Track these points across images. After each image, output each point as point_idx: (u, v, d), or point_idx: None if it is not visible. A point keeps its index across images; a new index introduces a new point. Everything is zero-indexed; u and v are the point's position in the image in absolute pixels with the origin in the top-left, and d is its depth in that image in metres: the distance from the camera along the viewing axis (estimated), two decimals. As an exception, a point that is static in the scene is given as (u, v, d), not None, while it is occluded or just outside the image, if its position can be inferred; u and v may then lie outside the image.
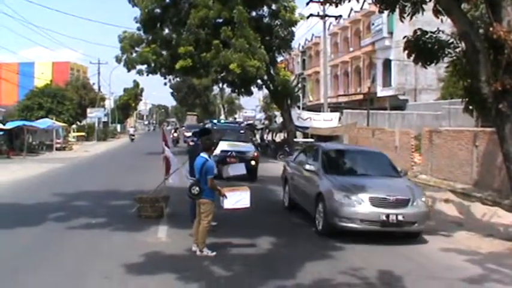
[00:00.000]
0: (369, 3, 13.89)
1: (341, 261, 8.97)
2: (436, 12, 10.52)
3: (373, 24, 46.25)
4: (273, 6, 30.39)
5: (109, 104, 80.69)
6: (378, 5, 11.56)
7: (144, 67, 32.17)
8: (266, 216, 13.02)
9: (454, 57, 11.16)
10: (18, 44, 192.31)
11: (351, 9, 52.22)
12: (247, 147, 21.77)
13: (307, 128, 33.36)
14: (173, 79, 42.70)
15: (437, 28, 11.13)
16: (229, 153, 20.25)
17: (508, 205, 14.41)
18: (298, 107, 48.92)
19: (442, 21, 10.69)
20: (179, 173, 12.39)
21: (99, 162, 30.27)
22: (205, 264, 8.45)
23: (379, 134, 27.93)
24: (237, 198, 9.40)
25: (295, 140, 32.99)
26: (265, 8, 30.81)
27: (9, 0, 79.99)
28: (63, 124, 45.63)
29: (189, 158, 11.12)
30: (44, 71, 79.02)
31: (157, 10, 30.58)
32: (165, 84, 44.48)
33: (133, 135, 60.58)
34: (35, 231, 10.56)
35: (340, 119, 35.24)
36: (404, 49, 11.36)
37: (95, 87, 69.20)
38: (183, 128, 64.28)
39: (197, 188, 9.01)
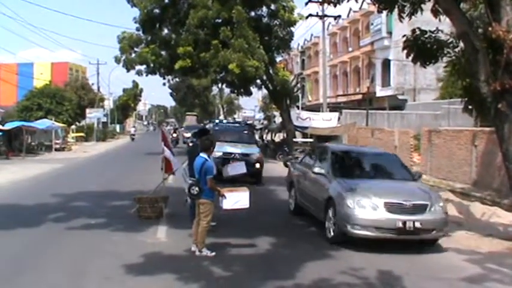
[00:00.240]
0: (368, 3, 13.91)
1: (341, 261, 8.98)
2: (435, 12, 10.52)
3: (372, 24, 46.26)
4: (272, 6, 30.39)
5: (108, 104, 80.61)
6: (377, 5, 11.56)
7: (143, 67, 32.18)
8: (267, 217, 13.02)
9: (453, 57, 11.17)
10: (17, 44, 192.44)
11: (350, 9, 52.26)
12: (252, 149, 20.68)
13: (306, 128, 33.37)
14: (172, 79, 42.75)
15: (437, 28, 11.14)
16: (233, 155, 19.20)
17: (507, 205, 14.41)
18: (297, 107, 48.93)
19: (440, 20, 10.69)
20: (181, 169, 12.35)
21: (98, 163, 30.27)
22: (205, 264, 8.45)
23: (378, 134, 27.95)
24: (236, 199, 9.40)
25: (294, 140, 32.99)
26: (264, 8, 30.81)
27: (8, 1, 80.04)
28: (62, 125, 45.60)
29: (188, 159, 11.11)
30: (43, 71, 78.93)
31: (157, 10, 30.57)
32: (164, 84, 44.44)
33: (133, 135, 63.95)
34: (34, 232, 10.55)
35: (339, 119, 35.26)
36: (403, 49, 11.37)
37: (94, 87, 69.18)
38: (182, 128, 63.96)
39: (197, 188, 9.01)
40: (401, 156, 23.24)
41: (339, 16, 40.95)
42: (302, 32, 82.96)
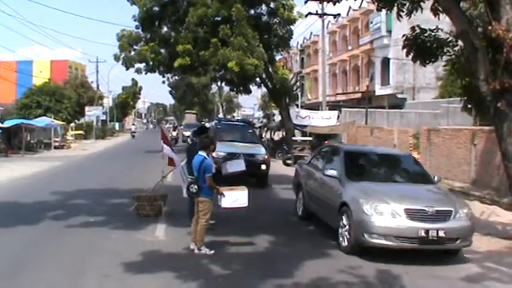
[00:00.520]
0: (368, 2, 13.88)
1: (339, 260, 8.98)
2: (435, 11, 10.51)
3: (371, 22, 46.24)
4: (272, 5, 30.36)
5: (107, 102, 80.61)
6: (376, 3, 11.55)
7: (142, 65, 32.14)
8: (266, 215, 13.01)
9: (453, 56, 11.16)
10: (16, 42, 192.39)
11: (350, 8, 52.23)
12: (257, 149, 19.10)
13: (305, 126, 33.34)
14: (171, 77, 42.75)
15: (436, 26, 11.13)
16: (237, 155, 16.94)
17: (506, 204, 14.42)
18: (297, 105, 48.92)
19: (438, 18, 10.68)
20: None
21: (98, 161, 30.24)
22: (204, 262, 8.45)
23: (377, 133, 27.98)
24: (235, 198, 9.40)
25: (293, 138, 32.96)
26: (263, 6, 30.77)
27: (7, -2, 79.78)
28: (62, 122, 45.59)
29: (187, 157, 11.11)
30: (43, 69, 79.02)
31: (156, 8, 30.54)
32: (164, 82, 44.55)
33: (134, 132, 67.68)
34: (33, 230, 10.55)
35: (338, 117, 35.23)
36: (403, 47, 11.36)
37: (94, 85, 69.20)
38: (181, 127, 63.77)
39: (195, 187, 9.02)
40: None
41: (339, 14, 40.86)
42: (301, 30, 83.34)
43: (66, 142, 44.25)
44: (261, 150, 19.11)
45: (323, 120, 33.30)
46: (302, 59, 69.24)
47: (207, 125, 27.75)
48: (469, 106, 11.28)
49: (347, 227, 9.34)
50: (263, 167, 18.33)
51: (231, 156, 16.77)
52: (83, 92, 63.04)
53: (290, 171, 23.52)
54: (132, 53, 31.60)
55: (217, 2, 28.28)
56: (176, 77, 53.89)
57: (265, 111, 72.09)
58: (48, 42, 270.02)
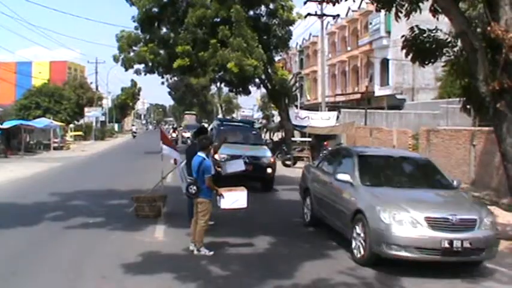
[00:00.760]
0: (367, 2, 13.81)
1: (339, 261, 8.97)
2: (434, 12, 10.51)
3: (370, 23, 46.25)
4: (271, 6, 30.38)
5: (107, 103, 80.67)
6: (375, 4, 11.54)
7: (141, 66, 32.16)
8: (265, 216, 13.00)
9: (452, 57, 11.15)
10: (15, 43, 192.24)
11: (349, 9, 52.22)
12: (262, 151, 18.20)
13: (304, 127, 33.33)
14: (171, 78, 42.71)
15: (436, 27, 11.12)
16: (241, 158, 16.29)
17: (505, 204, 14.41)
18: (296, 106, 48.90)
19: (437, 19, 10.67)
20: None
21: (97, 162, 30.24)
22: (203, 263, 8.44)
23: (376, 134, 27.96)
24: (234, 199, 9.40)
25: (292, 139, 32.97)
26: (263, 7, 30.80)
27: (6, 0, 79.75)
28: (61, 123, 45.61)
29: (186, 158, 11.11)
30: (42, 70, 78.79)
31: (155, 9, 30.54)
32: (163, 83, 44.47)
33: (135, 133, 71.36)
34: (32, 231, 10.54)
35: (337, 118, 35.23)
36: (402, 48, 11.35)
37: (93, 86, 69.16)
38: (181, 128, 63.54)
39: (195, 187, 9.02)
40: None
41: (338, 15, 40.86)
42: (301, 31, 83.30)
43: (66, 143, 44.26)
44: (266, 153, 18.21)
45: (322, 121, 33.27)
46: (301, 60, 69.23)
47: (209, 126, 27.56)
48: (468, 107, 11.26)
49: (362, 236, 8.66)
50: (269, 170, 17.43)
51: (235, 159, 15.47)
52: (82, 93, 62.98)
53: (289, 172, 23.60)
54: (131, 54, 31.61)
55: (216, 3, 28.30)
56: (175, 78, 53.89)
57: (264, 112, 72.12)
58: (47, 43, 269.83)
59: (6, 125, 33.98)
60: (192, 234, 9.19)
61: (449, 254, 8.08)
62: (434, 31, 11.04)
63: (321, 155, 27.47)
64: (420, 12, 10.63)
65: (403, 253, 8.12)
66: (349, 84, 54.06)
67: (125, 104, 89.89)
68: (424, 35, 11.01)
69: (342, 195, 9.90)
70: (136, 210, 12.06)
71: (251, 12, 30.36)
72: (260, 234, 10.62)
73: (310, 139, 32.61)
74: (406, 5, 10.75)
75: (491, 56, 9.59)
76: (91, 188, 16.73)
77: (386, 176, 10.35)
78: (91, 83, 69.78)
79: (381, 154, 11.94)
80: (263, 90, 39.20)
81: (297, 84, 51.71)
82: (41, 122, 39.47)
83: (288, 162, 28.07)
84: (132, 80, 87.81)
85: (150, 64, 31.44)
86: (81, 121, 61.01)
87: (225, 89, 62.40)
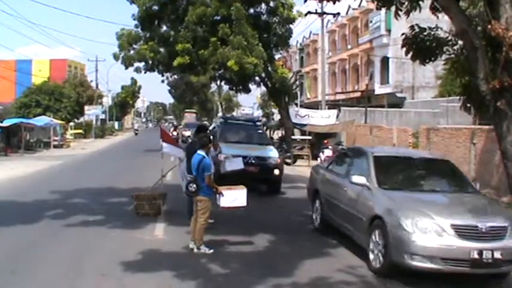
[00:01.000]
0: (367, 1, 13.82)
1: (339, 259, 8.98)
2: (434, 10, 10.49)
3: (371, 21, 46.22)
4: (271, 4, 30.30)
5: (107, 101, 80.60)
6: (376, 2, 11.52)
7: (141, 64, 32.09)
8: (265, 214, 13.00)
9: (452, 55, 11.13)
10: (15, 41, 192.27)
11: (349, 7, 52.19)
12: (269, 152, 17.13)
13: (304, 125, 33.33)
14: (171, 76, 42.66)
15: (436, 25, 11.11)
16: (247, 159, 15.34)
17: (506, 202, 14.42)
18: (296, 104, 48.86)
19: (438, 17, 10.66)
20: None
21: (97, 160, 30.25)
22: (203, 261, 8.45)
23: (376, 132, 27.96)
24: (234, 197, 9.40)
25: (292, 137, 32.96)
26: (263, 5, 30.72)
27: (6, -3, 79.62)
28: (61, 121, 45.59)
29: (186, 156, 11.10)
30: (42, 68, 78.72)
31: (155, 7, 30.49)
32: (163, 81, 44.47)
33: (137, 130, 76.14)
34: (32, 229, 10.54)
35: (337, 116, 35.22)
36: (403, 46, 11.32)
37: (93, 84, 69.16)
38: (181, 126, 63.19)
39: (194, 185, 9.02)
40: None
41: (338, 13, 40.84)
42: (301, 30, 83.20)
43: (66, 141, 44.24)
44: (273, 153, 17.18)
45: (322, 119, 33.28)
46: (301, 58, 69.20)
47: (212, 124, 27.39)
48: (469, 105, 11.23)
49: (380, 244, 7.97)
50: (276, 171, 16.44)
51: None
52: (82, 91, 62.98)
53: (289, 171, 23.55)
54: (132, 52, 31.56)
55: (216, 1, 28.23)
56: (175, 76, 53.76)
57: (264, 110, 72.17)
58: (47, 41, 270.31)
59: (6, 123, 33.98)
60: (192, 232, 9.20)
61: (478, 266, 7.40)
62: (434, 29, 11.03)
63: (320, 153, 27.60)
64: (420, 11, 10.61)
65: (427, 264, 7.43)
66: (349, 82, 54.04)
67: (125, 102, 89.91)
68: (425, 33, 10.99)
69: (356, 200, 9.18)
70: (136, 208, 12.06)
71: (251, 10, 30.28)
72: (260, 233, 10.62)
73: (310, 137, 32.61)
74: (406, 3, 10.73)
75: (492, 54, 9.57)
76: (91, 186, 16.73)
77: (405, 178, 9.66)
78: (91, 81, 69.87)
79: (397, 155, 10.99)
80: (263, 88, 39.18)
81: (297, 83, 51.65)
82: (41, 120, 39.46)
83: (288, 161, 28.04)
84: (132, 78, 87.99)
85: (150, 62, 31.39)
86: (81, 119, 61.01)
87: (225, 87, 62.37)
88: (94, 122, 62.39)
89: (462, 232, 7.42)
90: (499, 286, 8.17)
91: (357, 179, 9.08)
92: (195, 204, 9.21)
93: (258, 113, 79.43)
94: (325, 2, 25.57)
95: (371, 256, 8.25)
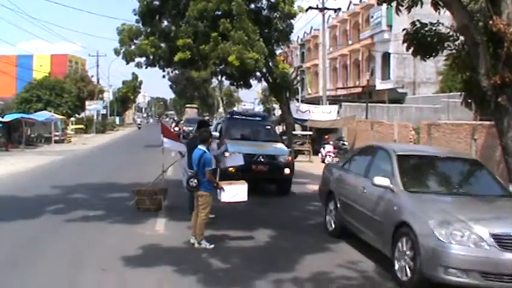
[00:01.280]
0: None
1: (339, 254, 8.99)
2: (435, 5, 10.48)
3: (372, 17, 46.13)
4: (272, -1, 30.26)
5: (108, 96, 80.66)
6: (377, -2, 11.51)
7: (142, 59, 32.02)
8: (266, 209, 13.01)
9: (453, 51, 11.13)
10: (16, 36, 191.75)
11: (350, 2, 52.11)
12: (279, 149, 16.01)
13: (305, 120, 33.37)
14: (172, 72, 42.59)
15: (437, 20, 11.10)
16: (255, 157, 14.83)
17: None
18: (297, 100, 48.85)
19: (439, 13, 10.64)
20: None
21: (98, 155, 30.26)
22: (204, 256, 8.46)
23: (377, 127, 27.96)
24: (235, 192, 9.41)
25: (293, 132, 32.97)
26: (264, 1, 30.61)
27: (7, -8, 79.61)
28: (62, 117, 45.62)
29: (187, 151, 11.11)
30: (43, 63, 78.74)
31: (156, 2, 30.42)
32: (164, 76, 44.22)
33: (140, 124, 79.89)
34: (33, 224, 10.56)
35: (338, 112, 35.25)
36: (404, 42, 11.32)
37: (94, 79, 69.19)
38: (182, 121, 62.85)
39: (195, 181, 9.03)
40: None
41: (339, 9, 40.88)
42: (302, 25, 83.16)
43: (67, 136, 44.27)
44: (283, 151, 16.04)
45: (323, 114, 33.30)
46: (302, 54, 69.14)
47: (215, 120, 27.18)
48: (470, 101, 11.24)
49: (408, 255, 7.13)
50: (287, 170, 15.29)
51: (248, 158, 13.87)
52: (83, 86, 62.98)
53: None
54: (133, 47, 31.49)
55: (217, -4, 28.19)
56: (176, 71, 53.64)
57: (265, 106, 72.09)
58: (48, 37, 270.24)
59: (7, 118, 34.01)
60: (193, 227, 9.21)
61: None
62: (435, 25, 11.03)
63: (321, 149, 27.62)
64: (421, 6, 10.60)
65: (464, 279, 6.55)
66: (350, 78, 53.99)
67: (126, 97, 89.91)
68: (426, 29, 10.99)
69: (379, 203, 8.33)
70: (137, 204, 12.08)
71: (252, 6, 30.19)
72: (261, 228, 10.64)
73: (311, 133, 32.64)
74: (407, -3, 10.73)
75: (493, 50, 9.57)
76: (92, 181, 16.75)
77: (431, 180, 8.89)
78: (92, 76, 69.91)
79: (424, 154, 9.95)
80: (264, 83, 39.07)
81: (298, 78, 51.58)
82: (42, 115, 39.49)
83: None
84: (133, 73, 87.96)
85: (151, 57, 31.34)
86: (82, 114, 61.03)
87: (226, 83, 62.25)
88: (95, 117, 62.38)
89: (505, 243, 6.54)
90: None
91: (380, 180, 8.18)
92: (196, 199, 9.22)
93: (259, 108, 79.33)
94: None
95: (396, 266, 7.42)
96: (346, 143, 29.54)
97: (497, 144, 11.71)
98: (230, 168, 12.70)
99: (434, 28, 10.98)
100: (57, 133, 41.68)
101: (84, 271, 7.53)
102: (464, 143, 19.35)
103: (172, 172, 14.72)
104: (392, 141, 23.87)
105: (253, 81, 35.84)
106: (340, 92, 52.59)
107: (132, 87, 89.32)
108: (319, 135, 30.78)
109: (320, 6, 34.96)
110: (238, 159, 11.88)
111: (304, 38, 67.02)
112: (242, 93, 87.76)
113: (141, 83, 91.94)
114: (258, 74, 32.64)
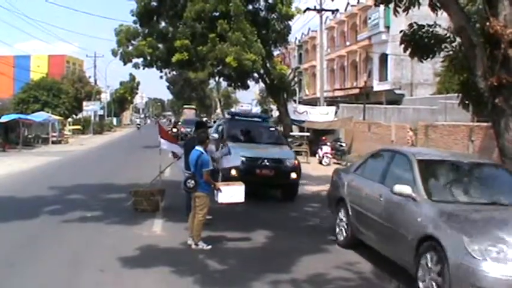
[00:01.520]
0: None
1: (337, 256, 8.99)
2: (433, 7, 10.50)
3: (369, 18, 46.19)
4: (270, 0, 30.30)
5: (105, 97, 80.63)
6: (374, -1, 11.53)
7: (140, 60, 32.08)
8: (264, 211, 13.00)
9: (451, 52, 11.15)
10: (14, 37, 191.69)
11: (348, 3, 52.15)
12: (285, 153, 15.30)
13: (303, 121, 33.39)
14: (169, 72, 42.59)
15: (435, 22, 11.12)
16: (260, 161, 14.21)
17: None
18: (295, 101, 48.85)
19: (436, 14, 10.67)
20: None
21: (95, 156, 30.22)
22: (201, 257, 8.46)
23: (375, 129, 28.01)
24: (232, 193, 9.41)
25: (291, 133, 32.98)
26: (261, 2, 30.70)
27: (4, -7, 79.51)
28: (59, 117, 45.52)
29: (184, 152, 11.10)
30: (40, 64, 78.50)
31: (154, 3, 30.47)
32: (161, 77, 44.22)
33: (139, 125, 77.62)
34: (30, 225, 10.54)
35: (336, 113, 35.28)
36: (401, 43, 11.34)
37: (91, 80, 69.06)
38: (179, 123, 62.53)
39: (192, 182, 9.03)
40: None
41: (337, 10, 40.90)
42: (299, 26, 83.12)
43: (64, 137, 44.21)
44: (289, 154, 15.29)
45: (321, 115, 33.31)
46: (300, 55, 69.17)
47: (215, 122, 27.10)
48: (467, 102, 11.26)
49: (435, 272, 6.36)
50: (293, 175, 14.47)
51: (252, 162, 13.87)
52: (81, 87, 62.83)
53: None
54: (130, 48, 31.52)
55: (215, -3, 28.20)
56: (174, 72, 53.63)
57: (263, 107, 72.09)
58: (45, 37, 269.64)
59: (5, 118, 33.92)
60: (190, 228, 9.21)
61: None
62: (433, 26, 11.04)
63: (318, 150, 27.62)
64: (419, 8, 10.62)
65: None
66: (347, 79, 54.03)
67: (123, 98, 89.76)
68: (423, 30, 11.01)
69: (399, 213, 7.58)
70: (134, 204, 12.07)
71: (250, 7, 30.26)
72: (258, 229, 10.63)
73: (308, 134, 32.65)
74: (405, 0, 10.74)
75: (490, 51, 9.58)
76: (89, 182, 16.72)
77: (457, 188, 7.93)
78: (89, 77, 69.72)
79: (445, 159, 8.93)
80: (262, 84, 39.14)
81: (296, 79, 51.66)
82: (39, 116, 39.39)
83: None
84: (131, 74, 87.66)
85: (149, 58, 31.37)
86: (80, 115, 60.95)
87: (224, 84, 62.36)
88: (92, 118, 62.38)
89: None
90: None
91: (401, 188, 7.42)
92: (193, 200, 9.22)
93: (256, 109, 79.32)
94: (324, -1, 25.57)
95: (421, 285, 6.62)
96: (343, 144, 29.54)
97: (495, 146, 11.71)
98: (233, 173, 12.72)
99: (431, 30, 11.01)
100: (54, 134, 41.63)
101: (82, 272, 7.52)
102: (462, 144, 19.38)
103: (169, 173, 14.72)
104: (390, 142, 23.92)
105: (250, 82, 35.93)
106: (337, 93, 52.65)
107: (130, 88, 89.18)
108: (317, 137, 30.77)
109: (318, 7, 34.99)
110: (236, 160, 11.87)
111: (301, 39, 67.06)
112: (239, 94, 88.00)
113: (138, 83, 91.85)
114: (255, 75, 32.70)
